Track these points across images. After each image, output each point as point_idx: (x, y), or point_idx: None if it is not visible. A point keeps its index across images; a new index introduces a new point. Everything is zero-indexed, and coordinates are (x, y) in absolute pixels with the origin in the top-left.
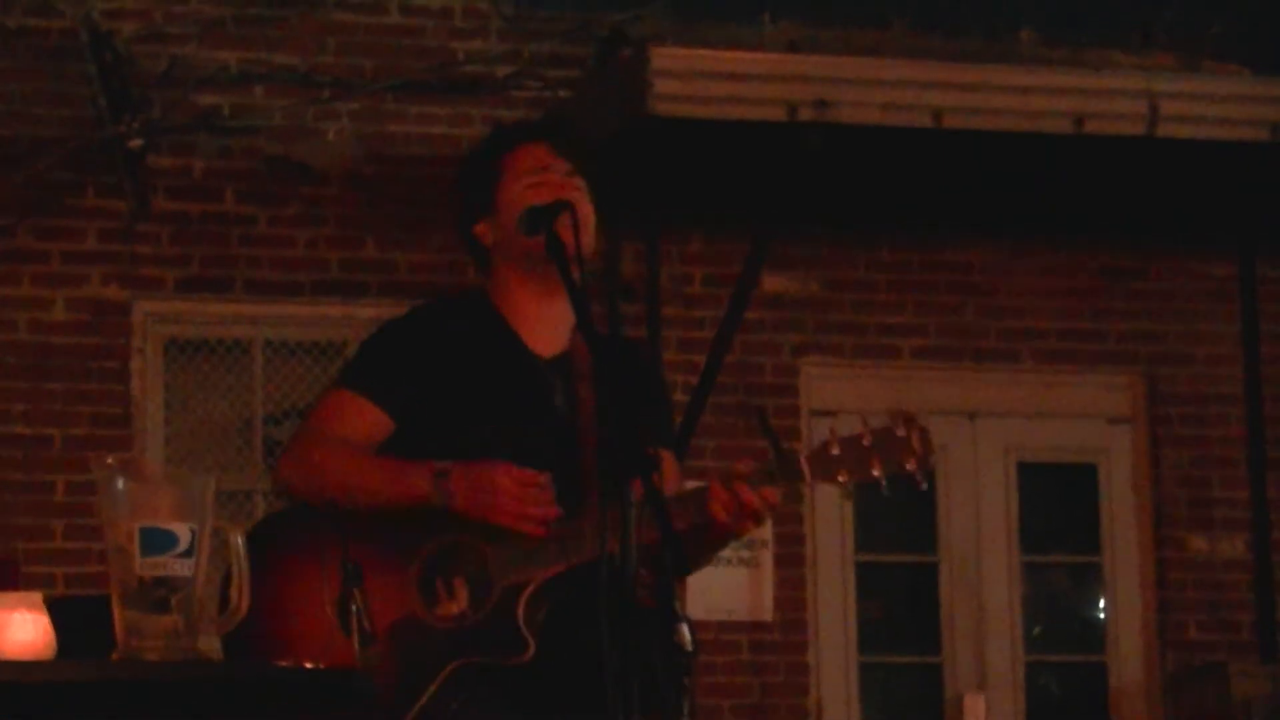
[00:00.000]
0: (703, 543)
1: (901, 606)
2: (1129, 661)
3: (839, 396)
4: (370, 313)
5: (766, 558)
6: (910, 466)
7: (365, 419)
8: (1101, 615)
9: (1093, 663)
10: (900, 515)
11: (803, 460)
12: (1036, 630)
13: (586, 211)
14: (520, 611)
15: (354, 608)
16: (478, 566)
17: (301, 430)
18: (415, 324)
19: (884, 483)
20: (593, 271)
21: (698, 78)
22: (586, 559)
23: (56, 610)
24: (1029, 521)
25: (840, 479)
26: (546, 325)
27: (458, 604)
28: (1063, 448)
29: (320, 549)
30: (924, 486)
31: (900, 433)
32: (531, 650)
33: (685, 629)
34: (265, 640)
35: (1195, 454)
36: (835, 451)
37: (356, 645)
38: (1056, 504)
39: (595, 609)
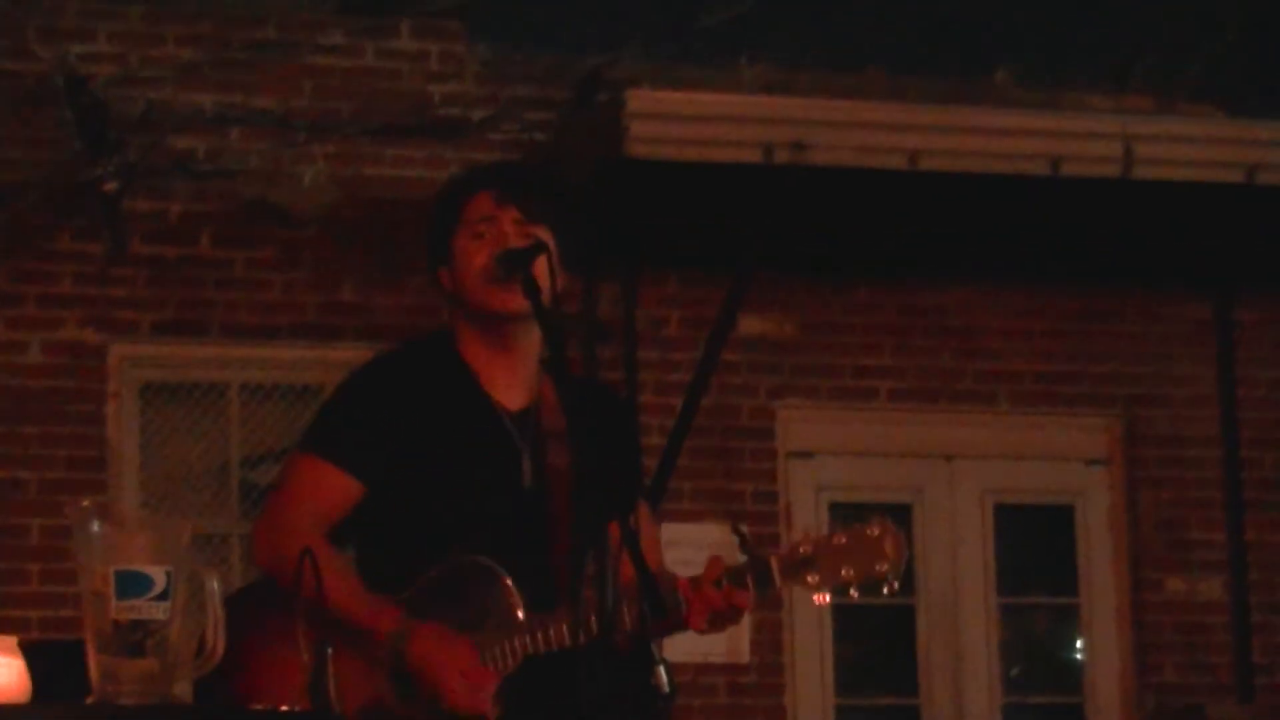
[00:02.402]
0: (665, 632)
1: (879, 648)
2: (1107, 703)
3: (816, 439)
4: (347, 356)
5: None
6: (881, 569)
7: (335, 489)
8: (1079, 657)
9: (1071, 704)
10: None
11: (773, 563)
12: (1014, 672)
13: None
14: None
15: (322, 689)
16: None
17: (273, 505)
18: (379, 380)
19: (854, 586)
20: (562, 313)
21: (674, 120)
22: (557, 646)
23: (31, 654)
24: (1006, 563)
25: (810, 581)
26: (510, 376)
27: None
28: (1040, 489)
29: (294, 622)
30: (895, 589)
31: (873, 532)
32: None
33: (663, 671)
34: (239, 700)
35: (1172, 496)
36: (806, 551)
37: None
38: (1034, 546)
39: (567, 692)
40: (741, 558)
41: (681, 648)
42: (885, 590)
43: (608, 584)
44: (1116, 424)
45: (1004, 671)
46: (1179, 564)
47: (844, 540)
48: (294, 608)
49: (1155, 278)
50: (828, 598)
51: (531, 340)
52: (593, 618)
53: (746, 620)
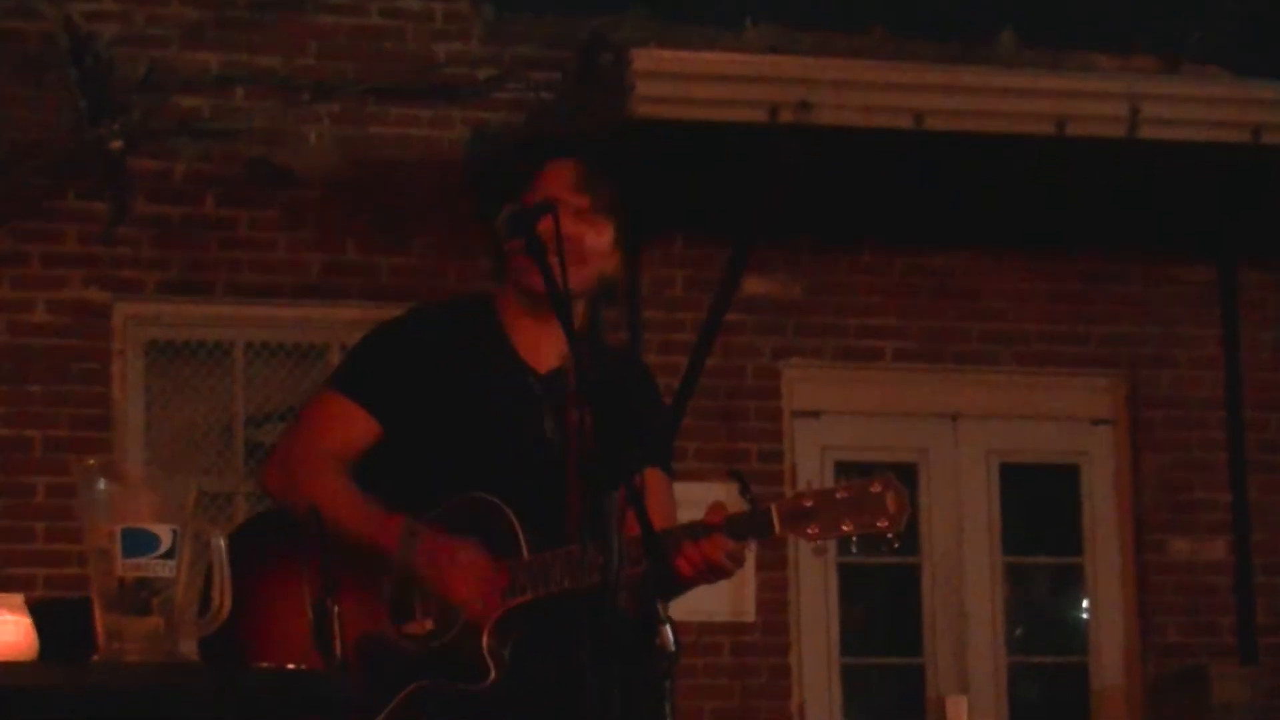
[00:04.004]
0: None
1: (883, 608)
2: (1110, 664)
3: (821, 399)
4: (351, 315)
5: (748, 559)
6: (882, 525)
7: (354, 425)
8: (1083, 617)
9: (1074, 665)
10: None
11: (774, 512)
12: (1018, 632)
13: (595, 242)
14: (484, 638)
15: (325, 619)
16: None
17: (290, 434)
18: (411, 327)
19: (854, 540)
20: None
21: (679, 80)
22: (555, 592)
23: (37, 612)
24: (1011, 523)
25: (810, 532)
26: (543, 339)
27: (425, 624)
28: (1045, 449)
29: (298, 556)
30: (896, 546)
31: (875, 489)
32: (492, 678)
33: (668, 631)
34: (239, 644)
35: (1176, 456)
36: (808, 504)
37: (322, 657)
38: (1038, 506)
39: (564, 640)
40: (745, 505)
41: (686, 606)
42: (884, 548)
43: (613, 545)
44: (1121, 385)
45: (1008, 631)
46: (1182, 525)
47: (846, 494)
48: (298, 543)
49: (1160, 239)
50: (822, 549)
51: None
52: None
53: (751, 579)
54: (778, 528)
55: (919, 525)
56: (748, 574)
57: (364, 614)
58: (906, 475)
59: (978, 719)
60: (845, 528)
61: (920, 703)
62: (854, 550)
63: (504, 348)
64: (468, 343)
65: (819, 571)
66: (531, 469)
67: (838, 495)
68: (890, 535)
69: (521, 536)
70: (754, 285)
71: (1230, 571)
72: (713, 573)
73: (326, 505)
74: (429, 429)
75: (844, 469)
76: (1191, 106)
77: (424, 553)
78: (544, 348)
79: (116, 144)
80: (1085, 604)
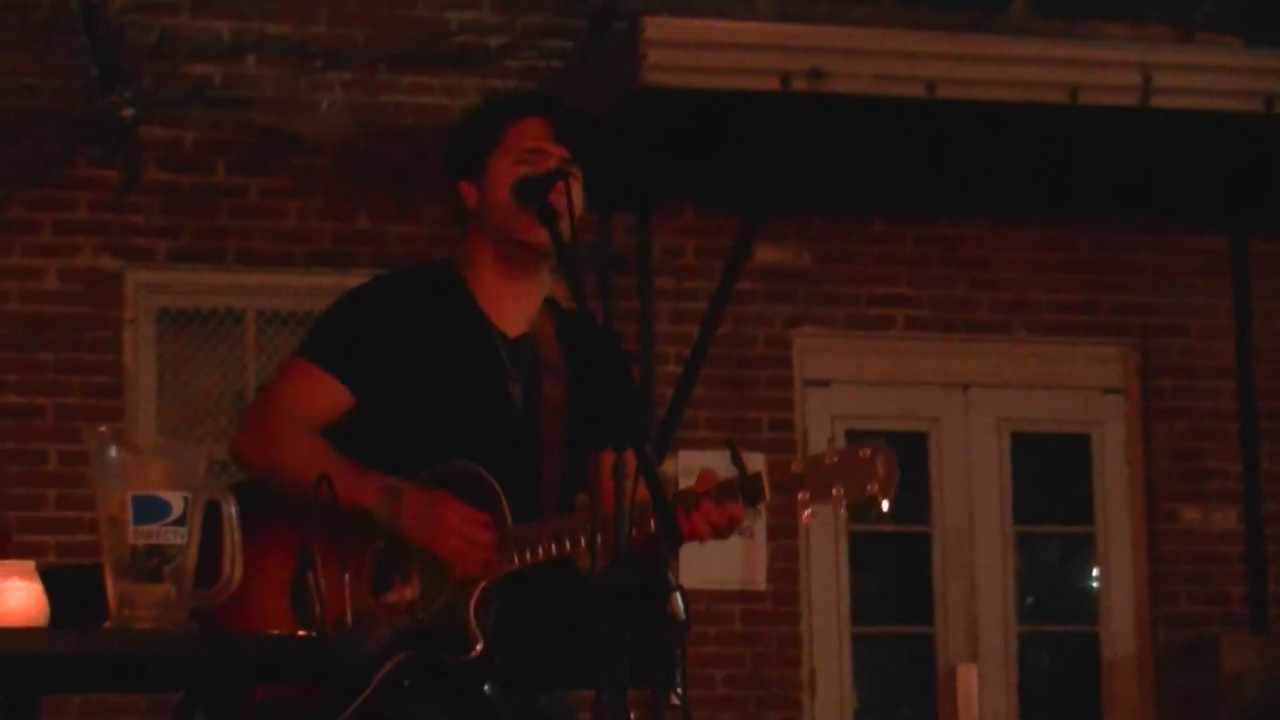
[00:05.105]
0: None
1: (894, 577)
2: (1121, 633)
3: (832, 367)
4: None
5: (760, 528)
6: (872, 490)
7: (326, 394)
8: (1094, 586)
9: (1085, 634)
10: None
11: (764, 478)
12: (1028, 601)
13: (578, 195)
14: (470, 609)
15: (305, 593)
16: (433, 559)
17: (262, 402)
18: (380, 295)
19: (844, 504)
20: (581, 248)
21: (691, 48)
22: (540, 561)
23: (49, 579)
24: (1022, 492)
25: (800, 497)
26: (513, 303)
27: (408, 593)
28: (1056, 418)
29: (283, 527)
30: (885, 511)
31: (865, 454)
32: (479, 649)
33: (678, 599)
34: (226, 614)
35: (1188, 426)
36: (797, 470)
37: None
38: (1049, 475)
39: (549, 608)
40: (734, 470)
41: (697, 575)
42: (874, 511)
43: (623, 511)
44: (1133, 354)
45: (1018, 600)
46: (1194, 494)
47: (835, 460)
48: (277, 511)
49: (1172, 208)
50: (812, 515)
51: (543, 274)
52: (581, 537)
53: (762, 548)
54: (767, 494)
55: (929, 494)
56: (759, 542)
57: (349, 588)
58: (917, 444)
59: (988, 688)
60: (835, 493)
61: (931, 671)
62: (844, 514)
63: (471, 310)
64: (435, 307)
65: (830, 540)
66: (500, 437)
67: (827, 461)
68: (882, 499)
69: (505, 505)
70: (765, 254)
71: (1241, 540)
72: (708, 535)
73: (304, 469)
74: (399, 397)
75: (855, 438)
76: (1204, 76)
77: (408, 511)
78: (512, 310)
79: (128, 112)
80: (1096, 573)
